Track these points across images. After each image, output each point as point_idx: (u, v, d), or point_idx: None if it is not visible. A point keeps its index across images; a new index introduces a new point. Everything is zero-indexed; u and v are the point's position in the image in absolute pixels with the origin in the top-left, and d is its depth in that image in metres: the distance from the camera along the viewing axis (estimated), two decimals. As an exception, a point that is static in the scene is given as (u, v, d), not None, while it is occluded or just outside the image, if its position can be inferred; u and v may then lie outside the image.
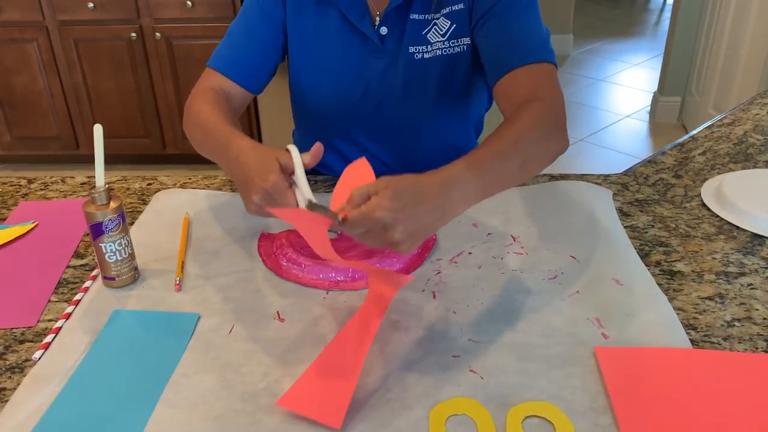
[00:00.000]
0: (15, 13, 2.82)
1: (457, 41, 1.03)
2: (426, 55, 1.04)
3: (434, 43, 1.04)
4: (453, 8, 1.02)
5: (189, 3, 2.75)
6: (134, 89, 2.97)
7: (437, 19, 1.03)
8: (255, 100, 2.94)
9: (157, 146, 3.09)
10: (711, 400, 0.66)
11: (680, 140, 1.21)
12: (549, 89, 0.94)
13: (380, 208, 0.66)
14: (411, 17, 1.03)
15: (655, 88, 3.77)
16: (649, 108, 3.81)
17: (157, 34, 2.83)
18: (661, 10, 6.07)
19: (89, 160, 2.88)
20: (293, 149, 0.80)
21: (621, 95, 4.14)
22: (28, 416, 0.66)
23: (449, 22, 1.03)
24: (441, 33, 1.03)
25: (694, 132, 1.24)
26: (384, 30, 1.04)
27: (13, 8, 2.81)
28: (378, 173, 1.10)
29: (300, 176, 0.78)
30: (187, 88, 2.92)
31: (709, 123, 1.27)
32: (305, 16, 1.06)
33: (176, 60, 2.89)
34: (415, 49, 1.04)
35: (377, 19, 1.04)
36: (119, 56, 2.90)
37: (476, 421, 0.65)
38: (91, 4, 2.78)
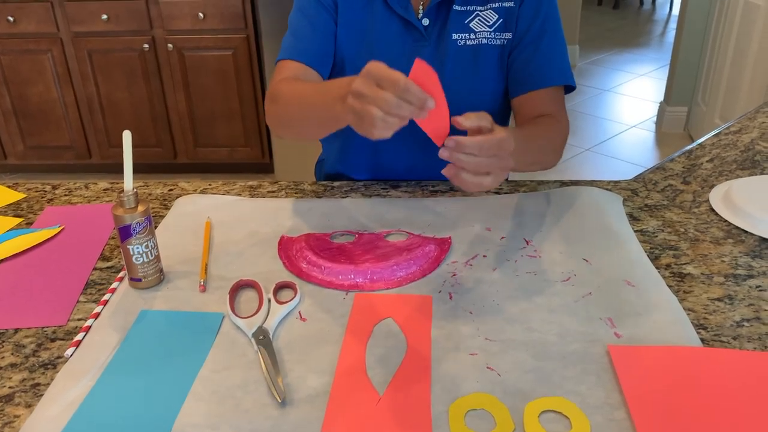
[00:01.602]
0: (30, 25, 2.87)
1: (501, 35, 1.09)
2: (469, 42, 1.09)
3: (479, 32, 1.09)
4: (503, 4, 1.08)
5: (201, 14, 2.80)
6: (146, 99, 3.02)
7: (482, 11, 1.08)
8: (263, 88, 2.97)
9: (169, 155, 3.14)
10: (721, 396, 0.69)
11: (688, 147, 1.23)
12: (563, 112, 1.11)
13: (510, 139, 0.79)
14: (454, 8, 1.08)
15: (661, 98, 3.79)
16: (655, 118, 3.84)
17: (170, 45, 2.88)
18: (667, 21, 6.11)
19: (101, 169, 2.93)
20: None
21: (627, 105, 4.17)
22: (63, 410, 0.69)
23: (497, 16, 1.08)
24: (488, 24, 1.09)
25: (702, 140, 1.26)
26: (426, 21, 1.09)
27: (29, 20, 2.86)
28: (401, 161, 1.16)
29: None
30: (199, 97, 2.98)
31: (716, 131, 1.29)
32: (353, 6, 1.11)
33: (188, 70, 2.93)
34: (458, 36, 1.09)
35: (420, 10, 1.09)
36: (132, 67, 2.95)
37: (494, 415, 0.67)
38: (104, 16, 2.83)
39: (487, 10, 1.08)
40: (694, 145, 1.24)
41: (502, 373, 0.73)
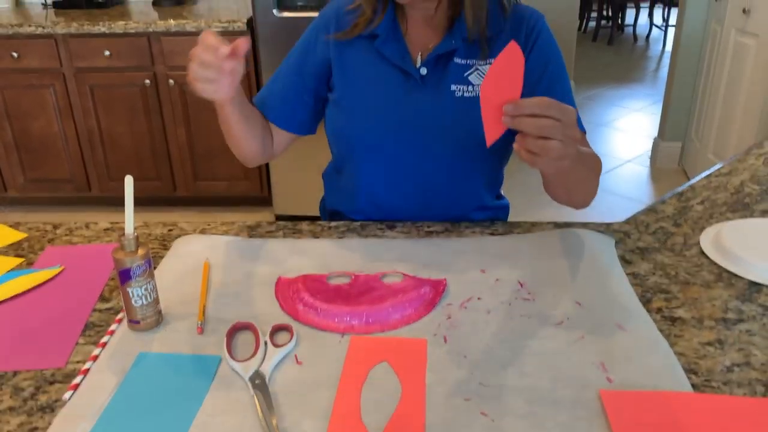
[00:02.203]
0: (34, 61, 2.91)
1: None
2: (467, 94, 1.10)
3: (477, 85, 1.10)
4: None
5: (202, 51, 2.84)
6: (146, 133, 3.05)
7: (482, 65, 1.10)
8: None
9: (168, 189, 3.16)
10: (712, 442, 0.69)
11: (679, 189, 1.25)
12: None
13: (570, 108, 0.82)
14: (454, 60, 1.10)
15: (655, 133, 3.84)
16: (650, 153, 3.88)
17: (171, 81, 2.92)
18: (661, 57, 6.21)
19: (101, 201, 2.94)
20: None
21: (622, 140, 4.22)
22: (61, 454, 0.70)
23: None
24: None
25: (693, 181, 1.29)
26: (424, 70, 1.10)
27: (33, 56, 2.91)
28: (399, 205, 1.17)
29: None
30: (199, 132, 3.01)
31: (707, 173, 1.32)
32: (348, 54, 1.14)
33: (189, 105, 2.97)
34: (457, 87, 1.10)
35: (418, 59, 1.11)
36: (133, 101, 2.99)
37: (488, 461, 0.68)
38: (107, 52, 2.88)
39: (486, 64, 1.09)
40: (685, 186, 1.26)
41: (495, 419, 0.73)
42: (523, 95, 0.86)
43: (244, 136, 1.11)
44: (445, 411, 0.75)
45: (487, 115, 0.83)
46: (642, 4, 6.81)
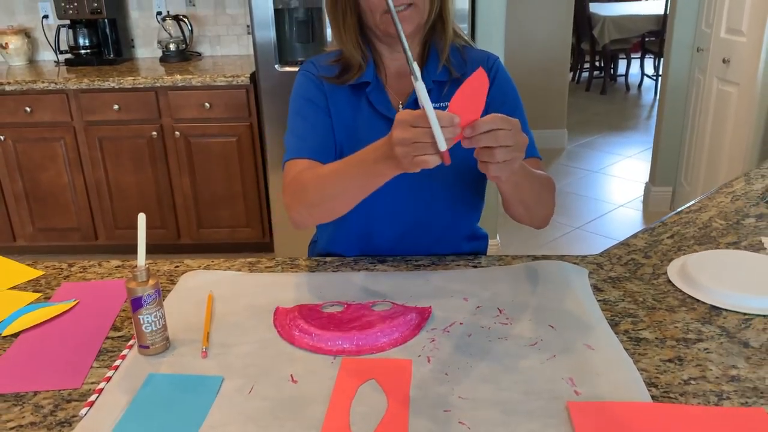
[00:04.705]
0: (46, 115, 3.05)
1: None
2: None
3: None
4: None
5: (207, 104, 2.99)
6: (152, 182, 3.17)
7: None
8: (265, 171, 3.12)
9: (173, 236, 3.26)
10: (666, 444, 0.77)
11: (652, 225, 1.35)
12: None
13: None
14: None
15: (647, 178, 3.95)
16: (642, 197, 3.98)
17: (177, 133, 3.05)
18: (653, 105, 6.37)
19: (107, 250, 3.03)
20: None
21: (615, 186, 4.33)
22: (78, 462, 0.77)
23: None
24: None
25: (665, 218, 1.38)
26: None
27: (45, 110, 3.05)
28: (390, 244, 1.24)
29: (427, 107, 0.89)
30: (203, 180, 3.12)
31: (678, 210, 1.41)
32: (343, 102, 1.24)
33: (193, 155, 3.09)
34: None
35: (399, 106, 1.23)
36: (140, 152, 3.11)
37: (463, 463, 0.75)
38: (116, 106, 3.02)
39: None
40: (656, 223, 1.35)
41: (472, 427, 0.81)
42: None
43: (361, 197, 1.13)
44: (427, 421, 0.82)
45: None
46: (633, 55, 7.02)
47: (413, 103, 1.22)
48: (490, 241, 3.24)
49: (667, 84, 3.58)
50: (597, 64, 6.95)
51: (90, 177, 3.18)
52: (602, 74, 6.88)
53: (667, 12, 5.25)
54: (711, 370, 0.90)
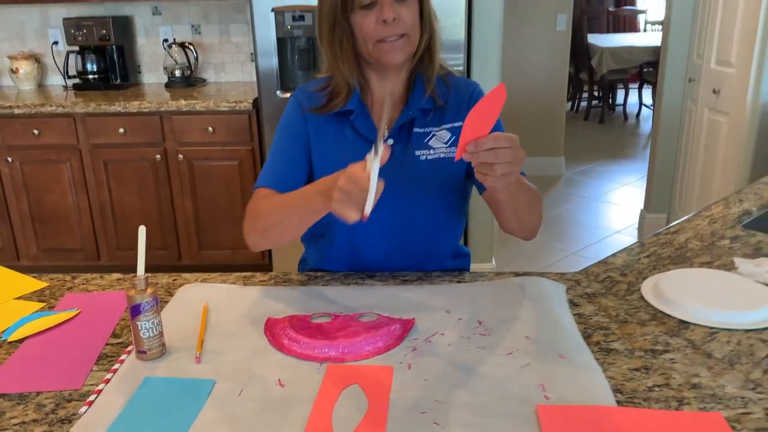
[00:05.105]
0: (53, 138, 3.14)
1: (455, 148, 1.29)
2: (430, 157, 1.29)
3: (437, 148, 1.29)
4: (453, 124, 1.31)
5: (210, 129, 3.07)
6: (155, 204, 3.24)
7: (437, 131, 1.30)
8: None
9: (174, 257, 3.32)
10: (627, 444, 0.82)
11: (629, 245, 1.41)
12: None
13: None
14: (414, 130, 1.29)
15: (642, 206, 4.01)
16: (637, 224, 4.04)
17: (180, 156, 3.13)
18: (650, 135, 6.45)
19: (109, 270, 3.08)
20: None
21: (611, 212, 4.39)
22: (77, 455, 0.83)
23: (450, 134, 1.31)
24: (443, 141, 1.30)
25: (645, 240, 1.44)
26: (391, 141, 1.29)
27: (52, 133, 3.13)
28: (377, 259, 1.31)
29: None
30: (205, 203, 3.20)
31: (656, 232, 1.47)
32: (325, 131, 1.32)
33: (196, 178, 3.17)
34: (421, 152, 1.29)
35: (386, 132, 1.29)
36: (144, 175, 3.19)
37: (436, 459, 0.81)
38: (122, 129, 3.10)
39: (441, 130, 1.29)
40: (635, 244, 1.41)
41: (445, 427, 0.86)
42: None
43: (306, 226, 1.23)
44: (404, 422, 0.88)
45: (463, 140, 1.00)
46: (631, 85, 7.13)
47: (397, 130, 1.28)
48: (486, 265, 3.31)
49: (660, 113, 3.66)
50: (595, 93, 7.06)
51: (94, 198, 3.26)
52: (601, 104, 6.98)
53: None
54: (675, 378, 0.95)
